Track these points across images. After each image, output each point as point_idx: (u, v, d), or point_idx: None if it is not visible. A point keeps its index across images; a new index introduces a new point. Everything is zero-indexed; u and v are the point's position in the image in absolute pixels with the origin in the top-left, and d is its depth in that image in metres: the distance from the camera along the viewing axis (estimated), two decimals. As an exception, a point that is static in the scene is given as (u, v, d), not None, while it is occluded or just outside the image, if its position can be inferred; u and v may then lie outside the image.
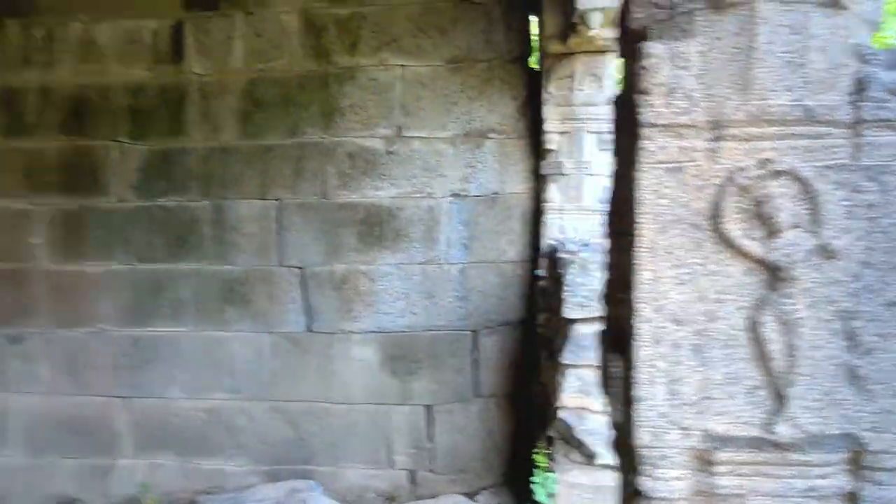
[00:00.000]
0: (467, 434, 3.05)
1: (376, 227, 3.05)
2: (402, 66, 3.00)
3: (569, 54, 2.73)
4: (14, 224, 3.22)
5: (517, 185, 2.99)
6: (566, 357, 2.24)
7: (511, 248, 3.00)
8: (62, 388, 3.25)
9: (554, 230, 2.80)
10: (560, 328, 2.31)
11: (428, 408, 3.07)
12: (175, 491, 3.19)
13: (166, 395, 3.20)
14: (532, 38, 3.00)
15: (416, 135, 3.02)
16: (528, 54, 3.00)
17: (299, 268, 3.10)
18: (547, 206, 2.83)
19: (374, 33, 3.01)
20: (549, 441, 2.47)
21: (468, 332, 3.04)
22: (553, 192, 2.81)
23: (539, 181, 2.91)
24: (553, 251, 2.44)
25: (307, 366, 3.12)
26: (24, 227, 3.22)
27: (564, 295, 2.24)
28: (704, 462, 0.81)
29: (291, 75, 3.06)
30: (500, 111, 2.98)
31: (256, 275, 3.13)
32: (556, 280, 2.32)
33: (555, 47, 2.69)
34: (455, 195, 3.01)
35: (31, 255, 3.22)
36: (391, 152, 3.03)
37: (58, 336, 3.23)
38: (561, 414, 2.29)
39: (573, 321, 2.25)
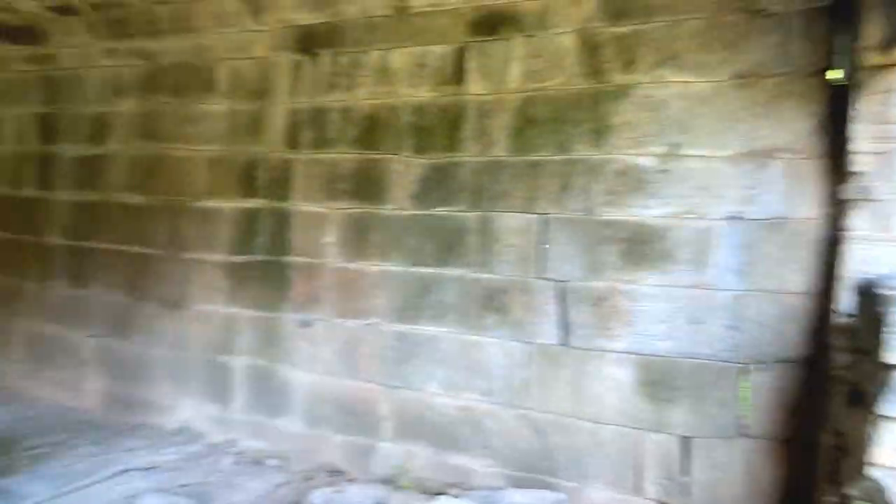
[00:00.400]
0: (728, 473, 2.84)
1: (641, 247, 2.99)
2: (682, 82, 2.92)
3: (889, 66, 2.42)
4: (313, 224, 3.75)
5: (808, 210, 2.72)
6: (884, 408, 1.98)
7: (796, 277, 2.73)
8: (337, 371, 3.69)
9: (856, 262, 2.49)
10: (874, 374, 2.05)
11: (685, 439, 2.91)
12: (425, 479, 3.43)
13: (424, 389, 3.46)
14: (836, 50, 2.71)
15: (692, 153, 2.90)
16: (829, 67, 2.72)
17: (558, 281, 3.16)
18: (848, 234, 2.52)
19: (652, 50, 2.97)
20: (844, 499, 2.20)
21: (736, 365, 2.83)
22: (858, 220, 2.50)
23: (838, 207, 2.62)
24: (869, 286, 2.16)
25: (559, 379, 3.16)
26: (320, 228, 3.73)
27: (885, 337, 1.98)
28: None
29: (564, 94, 3.14)
30: (791, 129, 2.74)
31: (516, 285, 3.25)
32: (873, 319, 2.06)
33: (874, 58, 2.40)
34: (732, 217, 2.83)
35: (323, 252, 3.72)
36: (663, 170, 2.95)
37: (339, 324, 3.68)
38: (870, 471, 2.02)
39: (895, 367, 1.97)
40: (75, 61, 4.62)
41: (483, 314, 3.33)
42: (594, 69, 3.09)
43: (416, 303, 3.49)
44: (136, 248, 4.36)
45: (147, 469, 3.54)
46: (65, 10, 4.32)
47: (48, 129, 4.79)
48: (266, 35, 3.86)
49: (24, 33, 4.56)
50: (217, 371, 4.03)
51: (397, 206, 3.53)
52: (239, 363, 3.97)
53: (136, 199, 4.37)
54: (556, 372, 3.17)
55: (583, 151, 3.11)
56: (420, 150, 3.48)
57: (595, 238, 3.08)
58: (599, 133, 3.08)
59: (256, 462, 3.72)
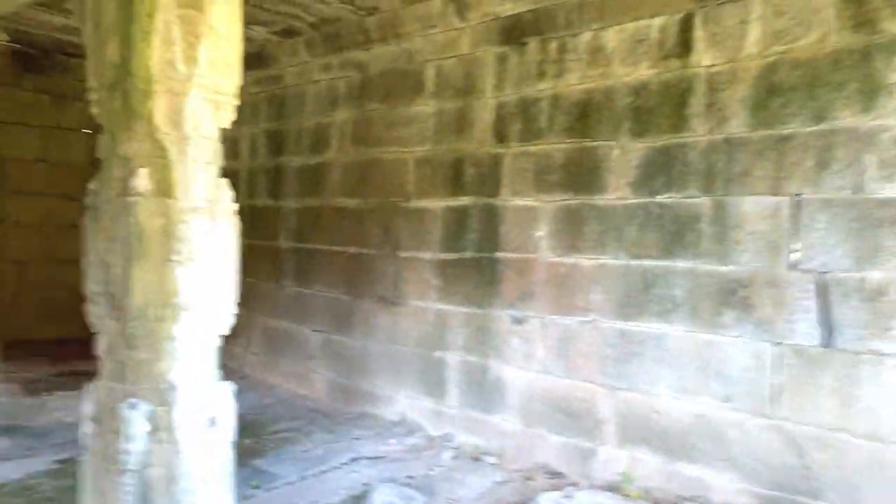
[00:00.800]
0: None
1: (935, 228, 2.45)
2: None
3: None
4: (523, 219, 3.66)
5: None
6: None
7: None
8: (553, 369, 3.56)
9: None
10: None
11: None
12: (654, 488, 3.17)
13: (650, 392, 3.20)
14: None
15: None
16: None
17: (817, 273, 2.72)
18: None
19: (945, -14, 2.42)
20: None
21: None
22: None
23: None
24: None
25: (820, 386, 2.72)
26: (530, 222, 3.63)
27: None
28: None
29: (820, 54, 2.69)
30: None
31: (760, 278, 2.86)
32: None
33: None
34: None
35: (535, 246, 3.61)
36: (965, 133, 2.39)
37: (552, 321, 3.55)
38: None
39: None
40: (296, 79, 5.05)
41: (719, 310, 2.98)
42: (860, 20, 2.60)
43: (638, 298, 3.23)
44: (352, 249, 4.63)
45: (374, 458, 3.71)
46: (287, 33, 4.74)
47: (276, 143, 5.29)
48: (470, 31, 3.85)
49: (255, 58, 5.08)
50: (431, 366, 4.12)
51: (614, 195, 3.30)
52: (452, 359, 4.02)
53: (351, 202, 4.64)
54: (816, 378, 2.73)
55: (847, 119, 2.63)
56: (639, 133, 3.22)
57: (867, 220, 2.59)
58: (870, 95, 2.58)
59: (474, 458, 3.73)
